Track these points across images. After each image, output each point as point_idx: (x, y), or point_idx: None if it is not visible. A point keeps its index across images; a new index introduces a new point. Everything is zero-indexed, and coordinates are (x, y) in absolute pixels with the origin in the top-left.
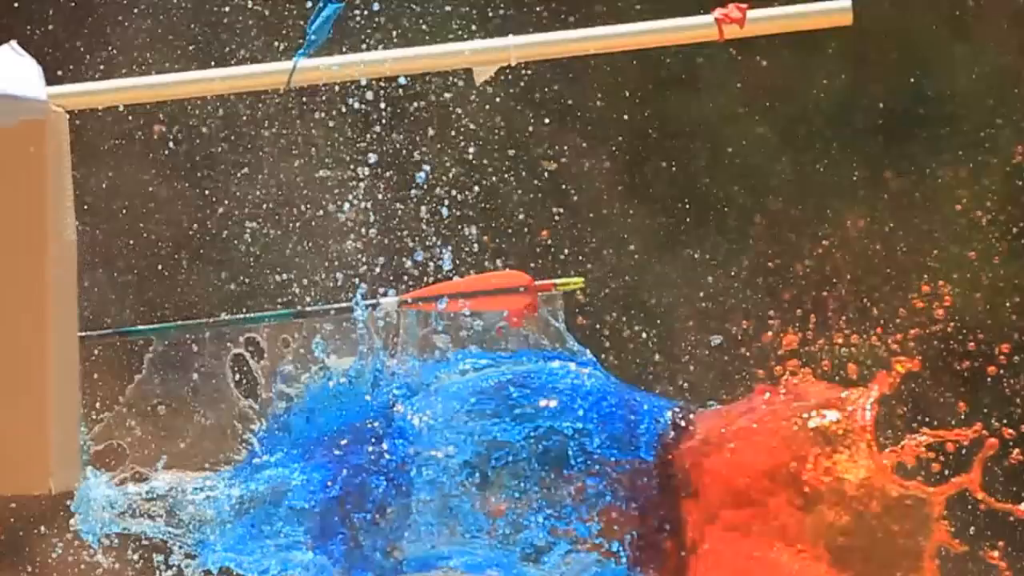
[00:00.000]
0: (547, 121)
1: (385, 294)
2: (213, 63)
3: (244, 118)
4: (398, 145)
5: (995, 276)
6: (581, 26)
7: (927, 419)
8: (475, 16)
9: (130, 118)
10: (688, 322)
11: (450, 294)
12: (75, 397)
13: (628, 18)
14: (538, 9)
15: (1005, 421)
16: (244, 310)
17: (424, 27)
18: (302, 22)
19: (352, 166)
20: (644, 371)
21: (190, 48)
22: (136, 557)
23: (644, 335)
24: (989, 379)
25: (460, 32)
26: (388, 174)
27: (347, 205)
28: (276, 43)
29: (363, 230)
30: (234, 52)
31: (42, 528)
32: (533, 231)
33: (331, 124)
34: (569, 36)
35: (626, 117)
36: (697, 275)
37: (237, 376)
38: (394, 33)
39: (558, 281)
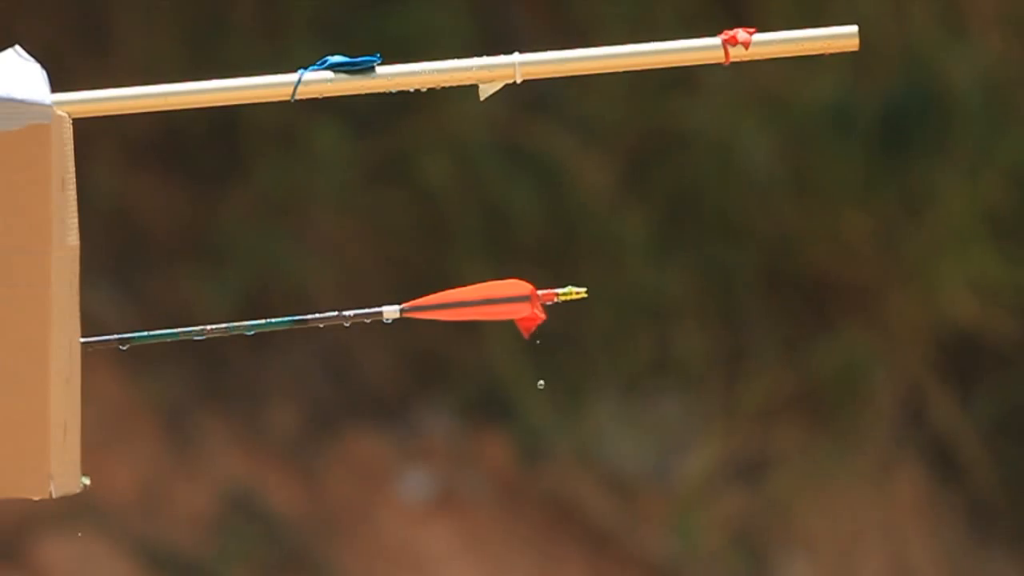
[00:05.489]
0: (547, 122)
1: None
2: (212, 67)
3: (245, 119)
4: (398, 147)
5: (994, 275)
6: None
7: (925, 419)
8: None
9: (130, 119)
10: (688, 323)
11: (452, 303)
12: (76, 402)
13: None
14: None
15: (1002, 419)
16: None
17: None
18: (303, 22)
19: (352, 167)
20: (642, 372)
21: (191, 50)
22: (134, 560)
23: (643, 336)
24: (987, 379)
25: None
26: (388, 176)
27: (349, 209)
28: (277, 46)
29: (364, 235)
30: (236, 56)
31: (42, 529)
32: (535, 236)
33: (331, 125)
34: (574, 55)
35: (626, 118)
36: (697, 275)
37: None
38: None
39: (560, 291)
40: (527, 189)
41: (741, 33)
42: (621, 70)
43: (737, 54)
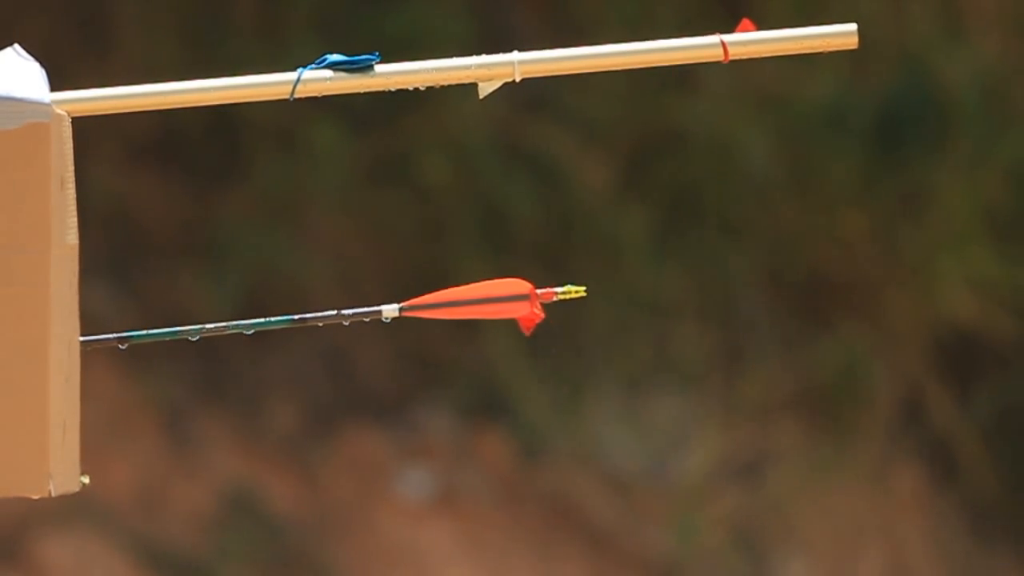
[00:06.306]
0: (546, 121)
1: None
2: (212, 63)
3: (244, 118)
4: (398, 146)
5: (992, 274)
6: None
7: (924, 417)
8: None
9: (129, 118)
10: (687, 322)
11: (451, 302)
12: (75, 401)
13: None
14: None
15: (1001, 419)
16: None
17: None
18: (302, 21)
19: (351, 166)
20: (641, 370)
21: (190, 49)
22: (133, 560)
23: (642, 334)
24: (986, 378)
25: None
26: (387, 176)
27: (348, 208)
28: (276, 43)
29: (363, 234)
30: (235, 53)
31: (41, 528)
32: (534, 235)
33: (330, 124)
34: (573, 54)
35: (625, 118)
36: (695, 274)
37: None
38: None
39: (559, 289)
40: (526, 188)
41: (741, 31)
42: (620, 68)
43: (736, 52)
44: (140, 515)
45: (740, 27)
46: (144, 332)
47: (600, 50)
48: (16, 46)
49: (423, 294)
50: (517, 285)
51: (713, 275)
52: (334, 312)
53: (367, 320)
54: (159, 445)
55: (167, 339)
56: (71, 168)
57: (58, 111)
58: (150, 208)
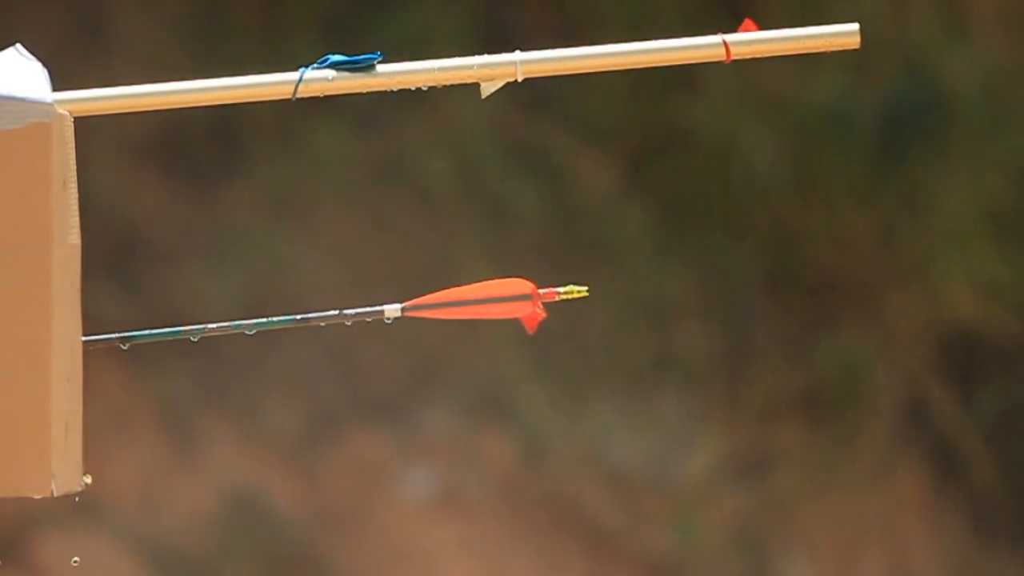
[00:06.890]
0: (547, 121)
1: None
2: (212, 62)
3: (246, 117)
4: (399, 146)
5: (995, 274)
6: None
7: (927, 417)
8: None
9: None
10: (689, 322)
11: (453, 302)
12: (78, 401)
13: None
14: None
15: (1003, 418)
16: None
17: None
18: (304, 21)
19: (353, 166)
20: (643, 370)
21: (192, 49)
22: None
23: (644, 334)
24: (989, 377)
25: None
26: (388, 175)
27: (350, 208)
28: (278, 43)
29: (365, 234)
30: (236, 52)
31: (43, 528)
32: (536, 235)
33: (332, 124)
34: (576, 53)
35: (627, 118)
36: (698, 274)
37: None
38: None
39: (562, 289)
40: (528, 188)
41: (743, 30)
42: (622, 68)
43: (738, 52)
44: (142, 515)
45: (742, 27)
46: (146, 332)
47: (602, 50)
48: (18, 46)
49: (425, 294)
50: (519, 285)
51: (715, 275)
52: (336, 312)
53: (369, 320)
54: (161, 445)
55: (169, 339)
56: (73, 168)
57: (60, 111)
58: (152, 208)
